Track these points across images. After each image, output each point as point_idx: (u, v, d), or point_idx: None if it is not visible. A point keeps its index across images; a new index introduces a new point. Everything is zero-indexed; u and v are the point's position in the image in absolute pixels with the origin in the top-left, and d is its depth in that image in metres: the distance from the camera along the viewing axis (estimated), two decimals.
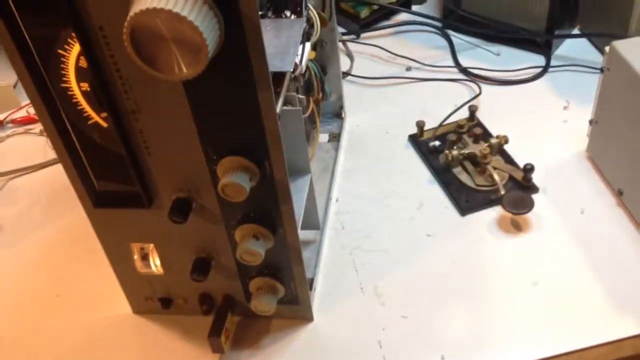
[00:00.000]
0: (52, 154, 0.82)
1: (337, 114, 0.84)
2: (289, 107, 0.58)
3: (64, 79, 0.46)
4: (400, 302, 0.61)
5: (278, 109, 0.53)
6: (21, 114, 0.90)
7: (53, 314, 0.65)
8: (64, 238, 0.72)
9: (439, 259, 0.65)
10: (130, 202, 0.53)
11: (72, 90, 0.46)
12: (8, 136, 0.88)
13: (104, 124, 0.48)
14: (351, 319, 0.61)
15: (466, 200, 0.70)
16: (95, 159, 0.51)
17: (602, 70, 0.65)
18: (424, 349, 0.57)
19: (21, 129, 0.89)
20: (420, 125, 0.78)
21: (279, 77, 0.54)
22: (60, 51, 0.44)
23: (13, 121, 0.90)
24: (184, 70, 0.40)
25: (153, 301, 0.62)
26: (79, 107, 0.47)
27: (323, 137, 0.81)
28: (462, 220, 0.69)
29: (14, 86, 0.92)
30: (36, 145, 0.85)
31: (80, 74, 0.45)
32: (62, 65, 0.45)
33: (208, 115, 0.46)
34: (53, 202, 0.77)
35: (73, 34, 0.42)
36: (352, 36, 0.99)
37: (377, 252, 0.66)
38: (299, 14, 0.63)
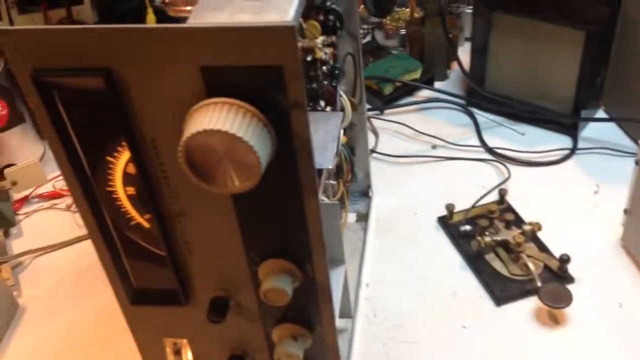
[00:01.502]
0: (78, 231, 0.82)
1: (365, 193, 0.84)
2: (327, 201, 0.58)
3: (110, 183, 0.46)
4: None
5: None
6: (47, 188, 0.90)
7: None
8: (91, 320, 0.71)
9: (475, 354, 0.63)
10: (167, 300, 0.52)
11: (117, 194, 0.46)
12: (34, 211, 0.88)
13: (147, 225, 0.48)
14: None
15: (501, 290, 0.69)
16: (135, 258, 0.50)
17: (637, 163, 0.65)
18: None
19: (47, 204, 0.89)
20: (449, 208, 0.78)
21: (317, 171, 0.54)
22: (109, 158, 0.44)
23: (39, 196, 0.90)
24: (237, 184, 0.40)
25: None
26: (122, 210, 0.47)
27: (351, 217, 0.80)
28: (498, 311, 0.67)
29: (41, 159, 0.93)
30: (63, 220, 0.85)
31: (127, 179, 0.45)
32: (109, 171, 0.45)
33: (253, 220, 0.46)
34: (79, 281, 0.76)
35: (124, 143, 0.42)
36: (377, 112, 1.00)
37: (411, 343, 0.65)
38: (333, 105, 0.64)
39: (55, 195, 0.90)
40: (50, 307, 0.74)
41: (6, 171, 0.84)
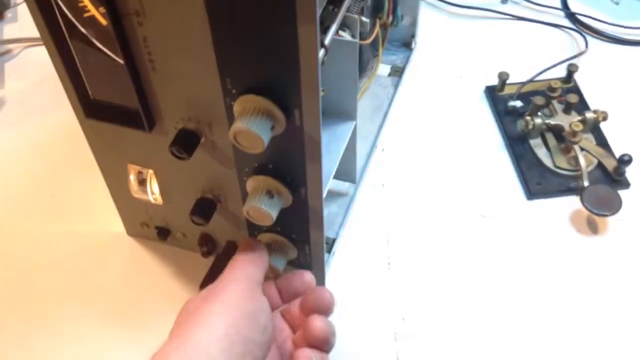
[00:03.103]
0: None
1: (406, 44, 0.71)
2: (343, 37, 0.46)
3: None
4: (431, 291, 0.51)
5: (329, 37, 0.41)
6: None
7: (44, 215, 0.58)
8: (68, 131, 0.63)
9: (488, 249, 0.54)
10: (128, 120, 0.43)
11: None
12: None
13: (103, 22, 0.38)
14: (368, 297, 0.51)
15: (538, 183, 0.57)
16: (91, 63, 0.41)
17: None
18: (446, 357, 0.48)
19: None
20: (502, 77, 0.64)
21: None
22: None
23: None
24: None
25: (149, 227, 0.54)
26: None
27: (383, 69, 0.68)
28: (528, 205, 0.57)
29: None
30: None
31: None
32: None
33: (231, 38, 0.35)
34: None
35: None
36: None
37: (417, 224, 0.56)
38: None
39: None
40: (30, 105, 0.66)
41: None
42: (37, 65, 0.70)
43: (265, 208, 0.42)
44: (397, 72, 0.68)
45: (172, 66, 0.38)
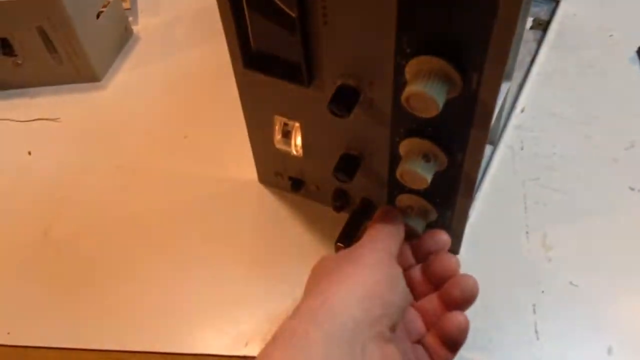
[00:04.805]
0: None
1: None
2: None
3: None
4: (572, 265, 0.49)
5: None
6: None
7: (176, 155, 0.59)
8: (205, 70, 0.63)
9: (637, 223, 0.51)
10: (287, 74, 0.42)
11: None
12: None
13: None
14: (505, 266, 0.50)
15: None
16: (260, 14, 0.40)
17: None
18: (589, 332, 0.46)
19: None
20: None
21: None
22: None
23: None
24: None
25: (282, 178, 0.54)
26: None
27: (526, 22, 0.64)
28: None
29: None
30: None
31: None
32: None
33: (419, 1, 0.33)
34: (199, 21, 0.67)
35: None
36: None
37: (558, 192, 0.53)
38: None
39: None
40: (165, 42, 0.67)
41: None
42: (170, 1, 0.69)
43: (422, 172, 0.41)
44: (541, 26, 0.64)
45: (346, 21, 0.37)
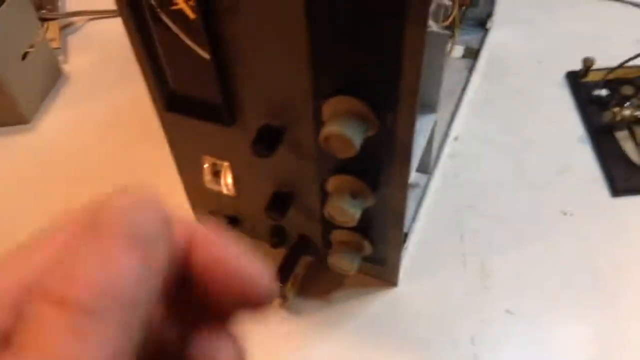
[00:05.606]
0: None
1: (481, 22, 0.67)
2: (434, 29, 0.43)
3: None
4: (510, 291, 0.49)
5: None
6: None
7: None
8: (135, 110, 0.62)
9: (570, 247, 0.51)
10: (209, 115, 0.41)
11: None
12: None
13: (191, 15, 0.36)
14: (444, 296, 0.50)
15: (625, 179, 0.54)
16: (175, 57, 0.39)
17: None
18: None
19: None
20: (587, 63, 0.60)
21: None
22: None
23: None
24: None
25: (218, 216, 0.53)
26: None
27: (456, 50, 0.65)
28: (612, 203, 0.54)
29: None
30: None
31: None
32: None
33: (330, 37, 0.33)
34: (129, 64, 0.66)
35: None
36: None
37: (493, 218, 0.54)
38: None
39: None
40: (96, 81, 0.66)
41: None
42: (101, 39, 0.68)
43: (349, 208, 0.41)
44: (471, 54, 0.65)
45: (260, 63, 0.36)
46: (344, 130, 0.35)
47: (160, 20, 0.37)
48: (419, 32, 0.30)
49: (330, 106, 0.36)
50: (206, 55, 0.37)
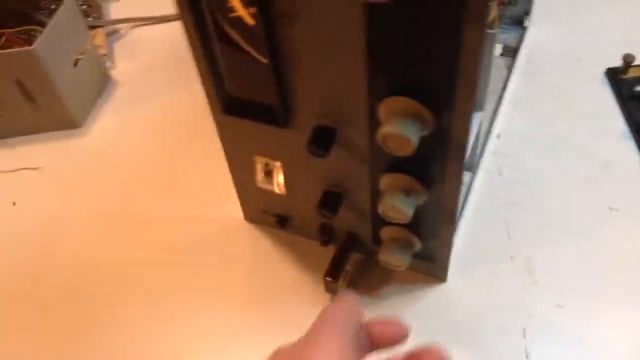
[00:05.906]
0: None
1: (519, 21, 0.68)
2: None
3: None
4: (557, 286, 0.50)
5: None
6: None
7: (161, 199, 0.59)
8: (184, 112, 0.64)
9: (618, 242, 0.52)
10: (264, 117, 0.43)
11: None
12: None
13: (250, 21, 0.37)
14: (492, 291, 0.50)
15: None
16: (232, 61, 0.40)
17: None
18: (578, 353, 0.47)
19: None
20: (627, 59, 0.61)
21: None
22: None
23: None
24: None
25: (268, 215, 0.55)
26: None
27: (496, 49, 0.65)
28: None
29: None
30: None
31: None
32: None
33: (387, 43, 0.34)
34: (178, 64, 0.68)
35: None
36: None
37: (539, 214, 0.54)
38: None
39: None
40: (143, 86, 0.68)
41: None
42: (145, 45, 0.70)
43: (403, 206, 0.42)
44: (510, 53, 0.65)
45: (317, 67, 0.38)
46: (403, 130, 0.36)
47: (220, 27, 0.38)
48: (478, 31, 0.31)
49: (386, 106, 0.37)
50: (264, 60, 0.38)
